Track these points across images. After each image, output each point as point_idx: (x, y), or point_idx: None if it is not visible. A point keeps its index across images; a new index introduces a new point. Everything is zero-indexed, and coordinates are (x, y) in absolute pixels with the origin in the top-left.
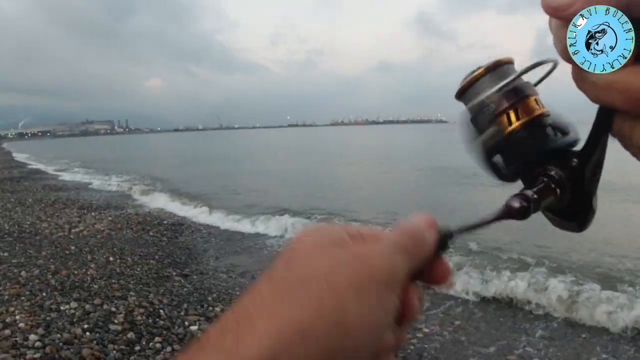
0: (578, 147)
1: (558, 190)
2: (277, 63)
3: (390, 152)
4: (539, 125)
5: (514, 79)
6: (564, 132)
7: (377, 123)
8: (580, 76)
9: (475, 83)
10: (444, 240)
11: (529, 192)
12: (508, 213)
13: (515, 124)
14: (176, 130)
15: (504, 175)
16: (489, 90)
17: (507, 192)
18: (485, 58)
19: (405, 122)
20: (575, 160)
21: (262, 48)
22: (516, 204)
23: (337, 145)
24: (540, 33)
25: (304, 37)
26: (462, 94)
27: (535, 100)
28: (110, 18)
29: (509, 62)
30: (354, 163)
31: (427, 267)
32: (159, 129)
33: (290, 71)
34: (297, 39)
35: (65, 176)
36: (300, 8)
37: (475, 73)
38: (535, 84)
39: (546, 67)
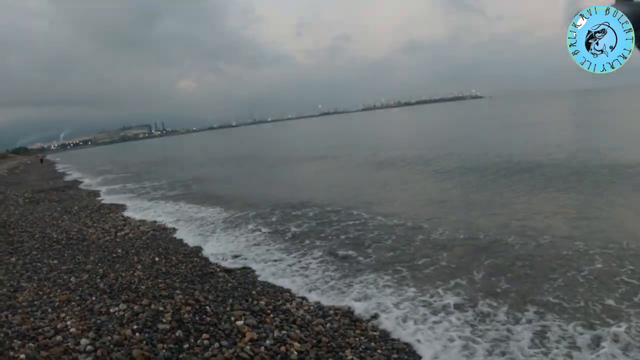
0: None
1: None
2: (304, 53)
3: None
4: None
5: None
6: None
7: (410, 104)
8: None
9: None
10: None
11: None
12: None
13: None
14: (211, 128)
15: None
16: None
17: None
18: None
19: (439, 100)
20: None
21: (288, 39)
22: None
23: (368, 134)
24: None
25: (329, 24)
26: None
27: None
28: (138, 24)
29: None
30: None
31: None
32: (194, 128)
33: (318, 60)
34: (322, 26)
35: (108, 182)
36: None
37: None
38: None
39: None
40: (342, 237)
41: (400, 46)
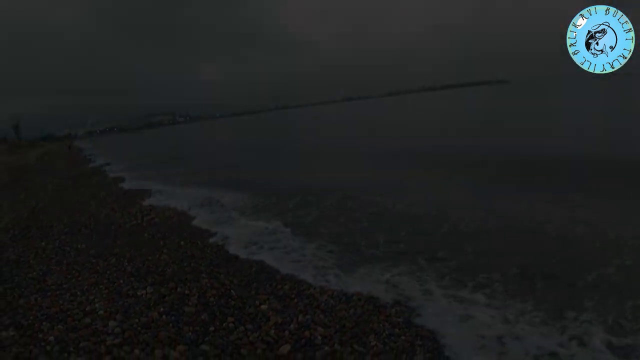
0: None
1: None
2: (328, 37)
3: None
4: None
5: None
6: None
7: (434, 89)
8: None
9: None
10: None
11: None
12: None
13: None
14: (234, 114)
15: None
16: None
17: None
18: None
19: (464, 85)
20: None
21: (312, 24)
22: None
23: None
24: None
25: (354, 8)
26: None
27: None
28: (161, 11)
29: None
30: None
31: None
32: (217, 114)
33: (342, 44)
34: (346, 10)
35: (134, 168)
36: None
37: None
38: None
39: None
40: (363, 225)
41: (426, 30)
